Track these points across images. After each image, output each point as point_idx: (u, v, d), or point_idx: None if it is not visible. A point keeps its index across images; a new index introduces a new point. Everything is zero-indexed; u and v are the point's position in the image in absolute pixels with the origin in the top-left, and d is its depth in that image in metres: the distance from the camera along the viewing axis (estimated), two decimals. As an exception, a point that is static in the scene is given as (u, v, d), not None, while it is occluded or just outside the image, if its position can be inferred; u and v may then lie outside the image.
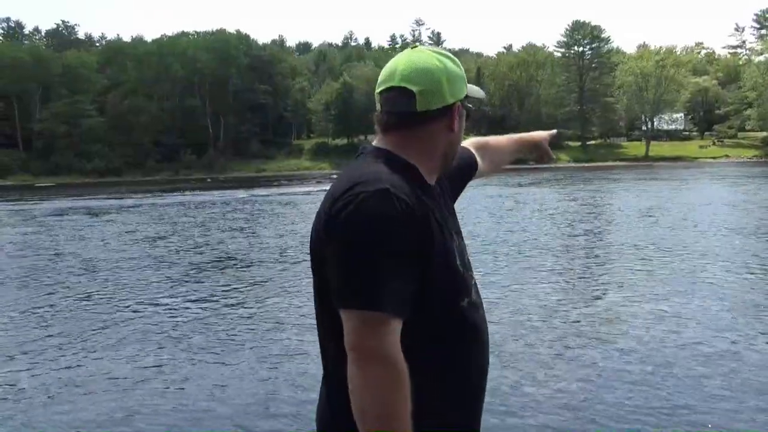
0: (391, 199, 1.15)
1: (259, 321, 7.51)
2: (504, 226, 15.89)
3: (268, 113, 71.14)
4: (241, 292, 9.18)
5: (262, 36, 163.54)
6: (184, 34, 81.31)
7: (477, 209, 19.35)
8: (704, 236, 13.40)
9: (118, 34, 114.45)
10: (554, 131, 1.98)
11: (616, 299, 8.11)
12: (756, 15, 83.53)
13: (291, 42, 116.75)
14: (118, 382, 5.52)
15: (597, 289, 8.80)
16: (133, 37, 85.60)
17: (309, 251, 1.29)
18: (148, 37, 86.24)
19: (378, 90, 1.34)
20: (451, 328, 1.28)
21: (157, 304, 8.43)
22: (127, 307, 8.36)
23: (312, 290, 1.31)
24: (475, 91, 1.41)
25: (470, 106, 1.39)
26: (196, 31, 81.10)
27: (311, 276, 1.28)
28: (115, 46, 78.70)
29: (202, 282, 10.02)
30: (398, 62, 1.32)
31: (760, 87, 65.42)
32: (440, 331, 1.25)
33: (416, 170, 1.30)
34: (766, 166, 49.92)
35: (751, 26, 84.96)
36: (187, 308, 8.22)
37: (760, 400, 4.75)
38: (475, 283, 1.38)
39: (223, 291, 9.24)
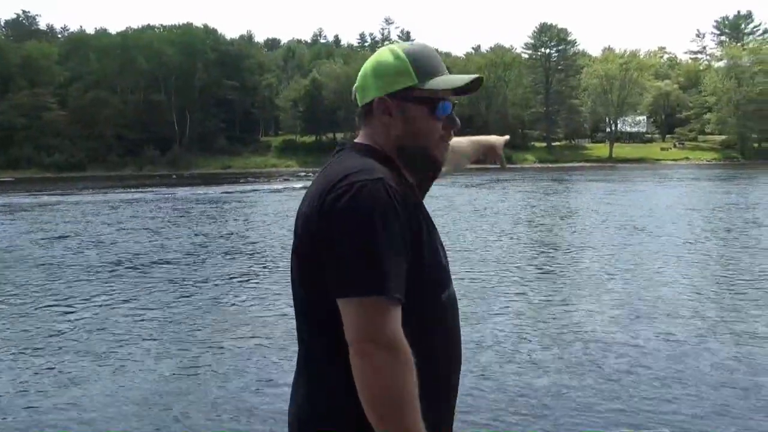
0: (386, 188, 1.18)
1: (207, 321, 7.40)
2: (462, 227, 15.99)
3: (235, 109, 70.28)
4: (191, 290, 9.03)
5: (230, 31, 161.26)
6: (149, 27, 79.83)
7: (441, 212, 19.43)
8: (664, 237, 13.68)
9: (81, 26, 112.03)
10: (507, 137, 2.03)
11: (573, 300, 8.21)
12: (716, 22, 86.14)
13: (259, 38, 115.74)
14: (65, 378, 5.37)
15: (554, 290, 8.90)
16: (97, 29, 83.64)
17: (293, 251, 1.28)
18: (113, 30, 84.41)
19: (353, 88, 1.43)
20: (432, 321, 1.28)
21: (90, 303, 8.25)
22: (64, 305, 8.16)
23: (292, 293, 1.32)
24: (443, 82, 1.34)
25: (429, 96, 1.32)
26: (162, 25, 79.60)
27: (283, 276, 1.30)
28: (78, 38, 76.81)
29: (145, 282, 9.83)
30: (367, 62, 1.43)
31: (719, 92, 67.28)
32: (422, 322, 1.24)
33: (394, 162, 1.34)
34: (725, 168, 51.35)
35: (712, 33, 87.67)
36: (114, 307, 8.05)
37: (719, 400, 4.85)
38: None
39: (170, 290, 9.07)
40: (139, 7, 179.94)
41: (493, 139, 1.98)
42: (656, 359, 5.78)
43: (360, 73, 1.38)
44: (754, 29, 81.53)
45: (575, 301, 8.15)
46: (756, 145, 65.82)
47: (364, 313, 1.13)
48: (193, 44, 69.87)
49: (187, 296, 8.65)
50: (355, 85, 1.39)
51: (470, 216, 18.16)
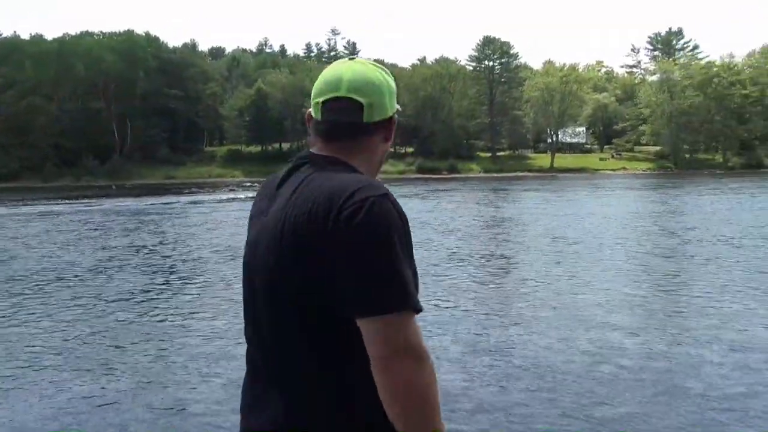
0: (394, 204, 1.20)
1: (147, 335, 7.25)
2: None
3: (178, 118, 68.79)
4: (115, 305, 8.83)
5: (173, 39, 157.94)
6: (88, 33, 77.38)
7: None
8: (598, 244, 14.14)
9: (15, 31, 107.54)
10: None
11: (505, 308, 8.41)
12: (649, 38, 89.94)
13: (203, 46, 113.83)
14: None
15: (485, 298, 9.09)
16: (32, 34, 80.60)
17: (277, 267, 1.24)
18: (49, 36, 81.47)
19: (321, 98, 1.33)
20: None
21: (30, 320, 7.97)
22: None
23: (272, 311, 1.27)
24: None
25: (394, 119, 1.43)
26: (101, 31, 77.37)
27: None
28: (12, 43, 73.71)
29: (66, 297, 9.55)
30: (343, 72, 1.34)
31: (653, 105, 70.17)
32: None
33: None
34: (658, 177, 53.51)
35: (646, 48, 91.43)
36: (59, 323, 7.81)
37: (664, 398, 5.05)
38: None
39: (95, 305, 8.85)
40: (76, 13, 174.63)
41: None
42: (587, 363, 5.97)
43: (367, 89, 1.32)
44: (685, 45, 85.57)
45: (508, 308, 8.34)
46: (687, 155, 68.82)
47: (396, 329, 1.14)
48: (135, 52, 68.14)
49: (112, 311, 8.43)
50: (364, 100, 1.31)
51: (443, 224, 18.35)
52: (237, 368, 5.21)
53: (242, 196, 33.48)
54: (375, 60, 1.50)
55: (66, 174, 59.46)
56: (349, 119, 1.31)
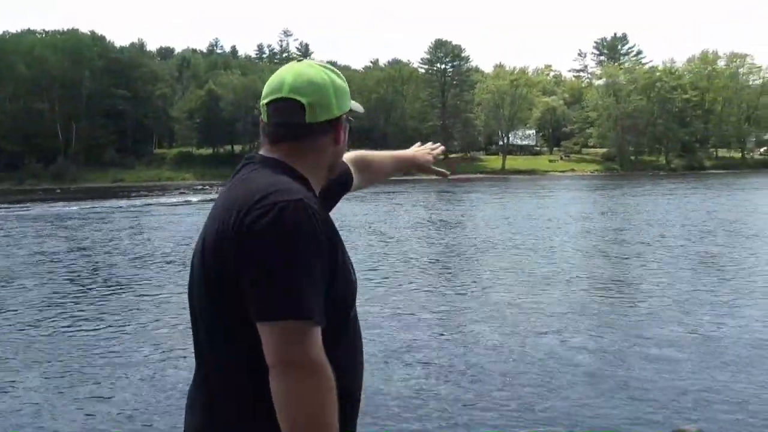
0: (306, 209, 1.17)
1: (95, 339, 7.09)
2: (365, 238, 16.18)
3: (126, 120, 67.04)
4: (75, 308, 8.61)
5: (120, 38, 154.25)
6: (30, 32, 74.80)
7: (347, 221, 19.54)
8: (545, 242, 14.48)
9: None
10: (433, 148, 2.07)
11: (469, 303, 8.54)
12: (596, 43, 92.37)
13: (152, 46, 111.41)
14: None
15: (450, 293, 9.21)
16: (-31, 32, 77.39)
17: (200, 267, 1.25)
18: (-13, 33, 78.30)
19: (265, 101, 1.34)
20: (341, 339, 1.28)
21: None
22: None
23: (193, 308, 1.29)
24: (355, 106, 1.46)
25: (352, 119, 1.44)
26: (44, 30, 74.89)
27: (182, 292, 1.28)
28: (-54, 41, 70.75)
29: (27, 301, 9.28)
30: (286, 74, 1.34)
31: (599, 108, 72.18)
32: (333, 340, 1.22)
33: (308, 182, 1.32)
34: (605, 179, 55.05)
35: (592, 53, 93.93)
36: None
37: (613, 395, 5.22)
38: None
39: (52, 310, 8.61)
40: (17, 11, 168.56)
41: (412, 154, 2.01)
42: (533, 359, 6.12)
43: (308, 89, 1.31)
44: (629, 50, 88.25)
45: (460, 308, 8.46)
46: (632, 157, 70.99)
47: (289, 337, 1.12)
48: (80, 51, 66.04)
49: (40, 318, 8.20)
50: (304, 99, 1.31)
51: (349, 232, 18.39)
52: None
53: (193, 199, 32.91)
54: (328, 62, 1.51)
55: (7, 178, 57.24)
56: (291, 120, 1.31)
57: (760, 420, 4.74)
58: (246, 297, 1.15)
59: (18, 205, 31.13)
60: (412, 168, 1.99)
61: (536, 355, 6.25)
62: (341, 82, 1.38)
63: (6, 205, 31.32)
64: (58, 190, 47.45)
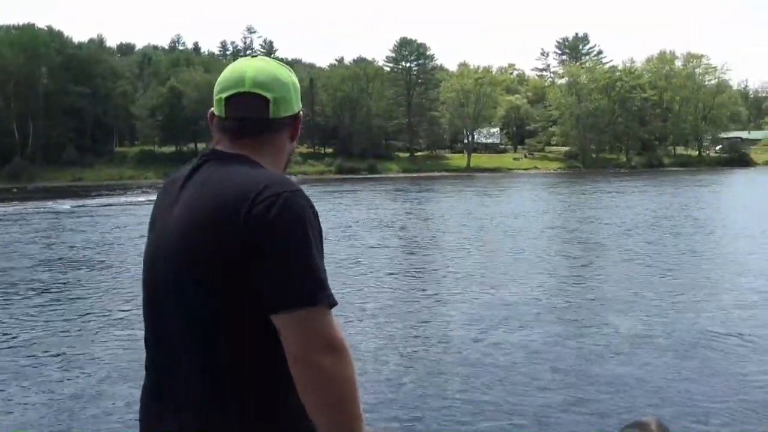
0: (306, 198, 1.20)
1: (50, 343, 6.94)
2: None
3: (85, 117, 65.46)
4: (35, 313, 8.41)
5: (78, 34, 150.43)
6: (-17, 26, 72.53)
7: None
8: (518, 237, 14.67)
9: None
10: None
11: (428, 301, 8.60)
12: (558, 42, 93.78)
13: (111, 42, 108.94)
14: None
15: (410, 292, 9.27)
16: None
17: (187, 267, 1.21)
18: (-63, 28, 75.55)
19: (224, 95, 1.31)
20: None
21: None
22: None
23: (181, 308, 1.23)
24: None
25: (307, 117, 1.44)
26: (-2, 24, 72.70)
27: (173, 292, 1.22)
28: None
29: None
30: (245, 68, 1.32)
31: (562, 107, 73.35)
32: None
33: None
34: (568, 176, 56.01)
35: (554, 52, 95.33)
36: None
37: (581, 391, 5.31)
38: None
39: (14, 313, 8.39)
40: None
41: None
42: (493, 355, 6.20)
43: (274, 85, 1.31)
44: (590, 50, 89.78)
45: (419, 307, 8.52)
46: (594, 155, 72.32)
47: (315, 323, 1.14)
48: (36, 47, 64.21)
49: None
50: (270, 95, 1.29)
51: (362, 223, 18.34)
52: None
53: (155, 198, 32.31)
54: (292, 59, 1.51)
55: (-40, 177, 55.44)
56: (255, 115, 1.29)
57: (719, 408, 4.89)
58: (259, 289, 1.15)
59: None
60: None
61: (495, 351, 6.33)
62: (296, 80, 1.39)
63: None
64: (15, 190, 46.12)
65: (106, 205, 29.17)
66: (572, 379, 5.52)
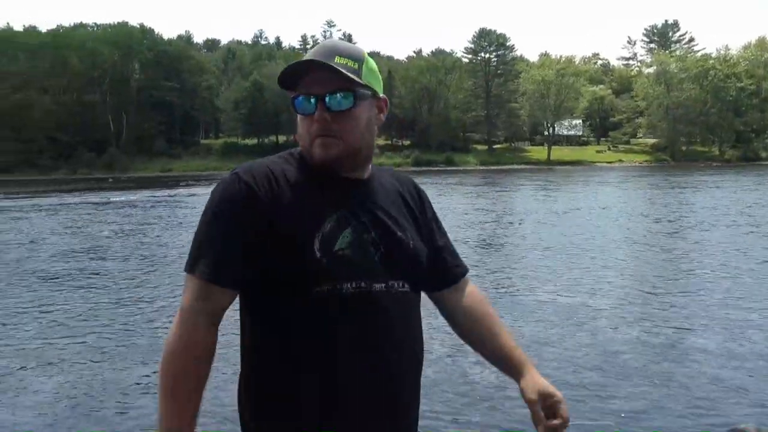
0: (233, 181, 1.25)
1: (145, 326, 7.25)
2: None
3: (174, 111, 68.57)
4: (134, 294, 8.82)
5: (168, 31, 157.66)
6: (82, 25, 77.15)
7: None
8: (603, 234, 14.17)
9: (8, 23, 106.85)
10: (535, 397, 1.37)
11: (519, 294, 8.43)
12: (646, 30, 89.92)
13: (198, 38, 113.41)
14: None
15: (502, 285, 9.11)
16: (26, 26, 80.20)
17: None
18: (42, 27, 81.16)
19: None
20: (301, 325, 1.23)
21: (27, 312, 7.96)
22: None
23: None
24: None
25: (293, 97, 1.34)
26: (95, 23, 77.13)
27: None
28: (5, 35, 73.37)
29: (91, 287, 9.55)
30: None
31: (650, 97, 70.21)
32: (285, 325, 1.24)
33: (303, 158, 1.33)
34: (654, 170, 53.58)
35: (642, 40, 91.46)
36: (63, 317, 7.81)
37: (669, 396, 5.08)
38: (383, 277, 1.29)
39: (116, 295, 8.84)
40: (70, 4, 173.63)
41: (530, 385, 1.39)
42: (582, 354, 5.99)
43: (365, 72, 1.32)
44: (681, 38, 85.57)
45: (506, 301, 8.36)
46: (684, 148, 68.94)
47: (184, 288, 1.25)
48: (129, 44, 67.81)
49: (103, 304, 8.42)
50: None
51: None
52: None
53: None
54: (371, 52, 1.47)
55: (62, 167, 59.29)
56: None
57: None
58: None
59: (72, 193, 32.13)
60: (522, 389, 1.40)
61: (585, 351, 6.12)
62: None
63: (62, 194, 32.38)
64: (110, 179, 48.84)
65: (192, 196, 30.39)
66: (668, 381, 5.27)
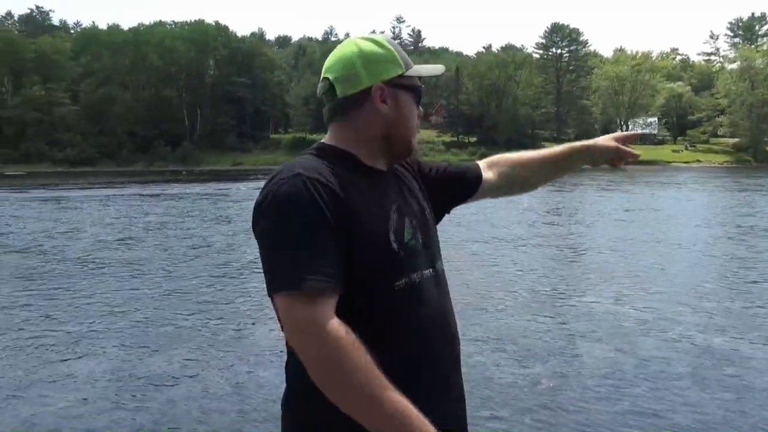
0: (303, 181, 1.17)
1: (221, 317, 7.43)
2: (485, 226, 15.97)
3: (245, 106, 70.52)
4: (206, 286, 9.07)
5: (241, 28, 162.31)
6: (161, 23, 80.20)
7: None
8: (676, 236, 13.61)
9: (93, 21, 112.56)
10: (625, 134, 1.68)
11: (590, 299, 8.19)
12: (730, 23, 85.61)
13: (270, 35, 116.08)
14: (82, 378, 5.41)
15: (571, 288, 8.88)
16: (109, 24, 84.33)
17: None
18: (125, 26, 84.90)
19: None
20: (380, 310, 1.25)
21: (112, 301, 8.30)
22: (88, 302, 8.22)
23: None
24: (425, 70, 1.39)
25: (416, 85, 1.37)
26: (173, 21, 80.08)
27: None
28: (90, 34, 77.31)
29: (172, 279, 9.88)
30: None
31: (732, 94, 66.86)
32: (365, 312, 1.23)
33: (351, 157, 1.32)
34: (736, 171, 50.95)
35: (725, 34, 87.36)
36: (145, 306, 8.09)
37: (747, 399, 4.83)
38: (435, 270, 1.37)
39: (192, 285, 9.12)
40: (151, 3, 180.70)
41: (591, 141, 1.70)
42: (648, 359, 5.76)
43: (336, 65, 1.33)
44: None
45: (572, 304, 8.13)
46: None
47: (284, 309, 1.13)
48: (205, 41, 70.17)
49: (179, 293, 8.68)
50: (331, 76, 1.33)
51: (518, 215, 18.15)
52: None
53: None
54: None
55: (139, 159, 62.06)
56: (325, 99, 1.36)
57: None
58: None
59: (149, 184, 33.53)
60: (602, 154, 1.64)
61: (650, 355, 5.88)
62: (374, 49, 1.33)
63: (143, 185, 33.86)
64: (184, 172, 50.70)
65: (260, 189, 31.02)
66: (731, 386, 5.00)
